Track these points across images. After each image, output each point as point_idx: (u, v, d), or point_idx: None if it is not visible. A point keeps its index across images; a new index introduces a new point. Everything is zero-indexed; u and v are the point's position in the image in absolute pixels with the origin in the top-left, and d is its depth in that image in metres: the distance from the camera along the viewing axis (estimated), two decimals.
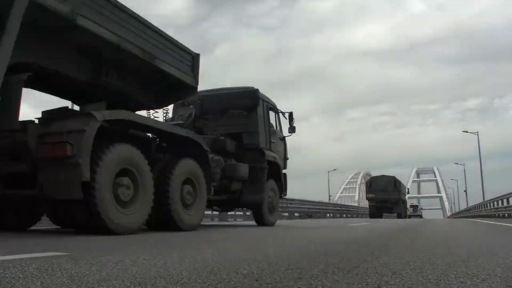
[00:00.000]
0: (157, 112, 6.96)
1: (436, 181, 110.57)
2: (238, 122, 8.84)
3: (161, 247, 3.61)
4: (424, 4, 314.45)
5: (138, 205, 5.07)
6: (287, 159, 10.28)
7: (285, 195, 10.25)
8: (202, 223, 7.19)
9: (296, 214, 21.80)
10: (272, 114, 9.60)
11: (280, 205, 11.57)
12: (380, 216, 32.37)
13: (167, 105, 7.10)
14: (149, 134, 6.06)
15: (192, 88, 6.58)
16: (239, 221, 14.90)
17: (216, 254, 2.98)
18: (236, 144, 8.36)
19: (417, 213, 49.09)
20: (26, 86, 4.75)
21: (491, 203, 23.60)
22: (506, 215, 18.48)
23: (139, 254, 2.76)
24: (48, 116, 4.94)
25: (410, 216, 39.96)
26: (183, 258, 2.57)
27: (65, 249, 3.01)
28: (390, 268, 2.26)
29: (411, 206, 50.34)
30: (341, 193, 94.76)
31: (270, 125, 9.35)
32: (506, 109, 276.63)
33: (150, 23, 5.62)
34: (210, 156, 6.74)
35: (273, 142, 9.31)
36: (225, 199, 8.37)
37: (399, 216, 34.03)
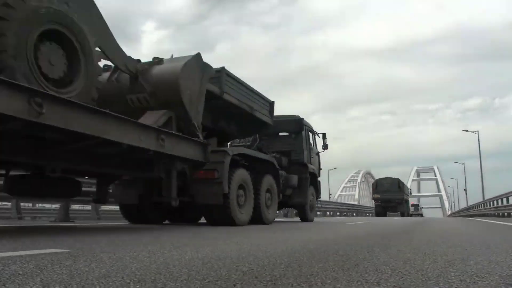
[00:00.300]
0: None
1: (436, 180, 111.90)
2: (288, 143, 11.74)
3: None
4: (425, 3, 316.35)
5: (247, 207, 7.91)
6: (320, 169, 13.28)
7: (320, 197, 13.22)
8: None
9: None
10: (310, 135, 12.53)
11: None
12: (385, 215, 35.42)
13: (249, 137, 10.01)
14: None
15: (269, 126, 9.48)
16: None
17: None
18: (287, 160, 11.24)
19: (418, 212, 52.44)
20: None
21: (491, 202, 23.67)
22: (506, 214, 18.90)
23: (139, 251, 2.82)
24: None
25: (411, 215, 43.00)
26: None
27: (65, 246, 3.06)
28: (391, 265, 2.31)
29: (412, 205, 53.30)
30: (341, 191, 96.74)
31: (310, 144, 12.25)
32: (506, 108, 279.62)
33: (253, 88, 8.54)
34: (280, 172, 9.58)
35: (312, 158, 12.21)
36: (280, 201, 11.25)
37: (402, 214, 37.14)
